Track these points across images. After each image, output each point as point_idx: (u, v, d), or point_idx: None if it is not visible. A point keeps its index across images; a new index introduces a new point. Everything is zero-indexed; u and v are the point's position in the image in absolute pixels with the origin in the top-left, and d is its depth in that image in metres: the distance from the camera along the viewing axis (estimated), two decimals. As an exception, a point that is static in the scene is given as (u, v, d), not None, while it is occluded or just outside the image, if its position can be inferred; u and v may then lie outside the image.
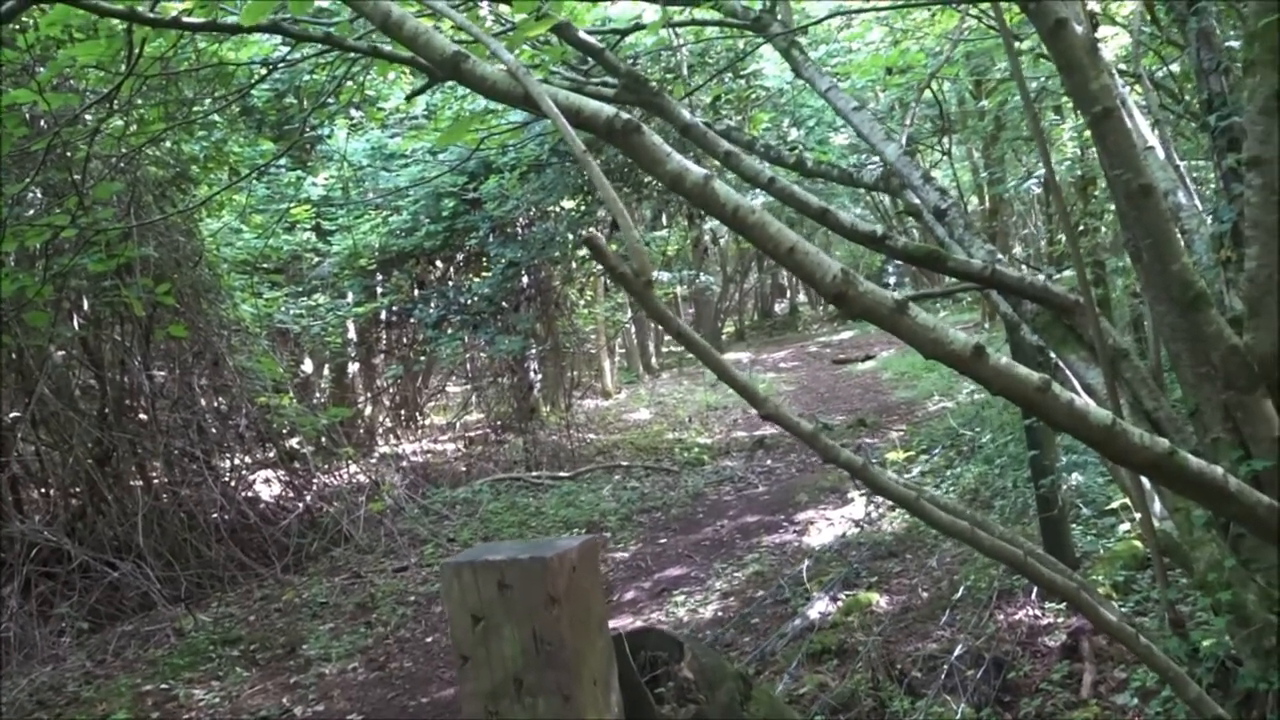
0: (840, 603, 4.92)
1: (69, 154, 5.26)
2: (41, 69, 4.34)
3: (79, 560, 6.43)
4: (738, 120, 9.22)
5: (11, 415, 6.98)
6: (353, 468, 9.11)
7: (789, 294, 31.95)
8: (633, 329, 19.88)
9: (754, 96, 9.84)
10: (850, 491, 7.49)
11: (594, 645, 1.12)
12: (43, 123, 5.64)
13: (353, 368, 12.40)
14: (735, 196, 1.55)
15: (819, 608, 4.88)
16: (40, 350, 6.72)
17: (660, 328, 22.39)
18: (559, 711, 1.08)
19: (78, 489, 7.21)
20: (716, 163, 3.16)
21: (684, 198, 1.65)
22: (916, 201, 3.30)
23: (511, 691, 1.09)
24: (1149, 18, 4.98)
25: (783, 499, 7.93)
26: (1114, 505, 5.00)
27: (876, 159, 4.49)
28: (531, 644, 1.08)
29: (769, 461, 9.77)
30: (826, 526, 6.84)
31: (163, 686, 5.38)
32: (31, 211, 6.12)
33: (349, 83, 5.58)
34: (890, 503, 6.28)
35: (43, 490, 7.36)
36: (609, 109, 1.64)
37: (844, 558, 5.71)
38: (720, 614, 5.40)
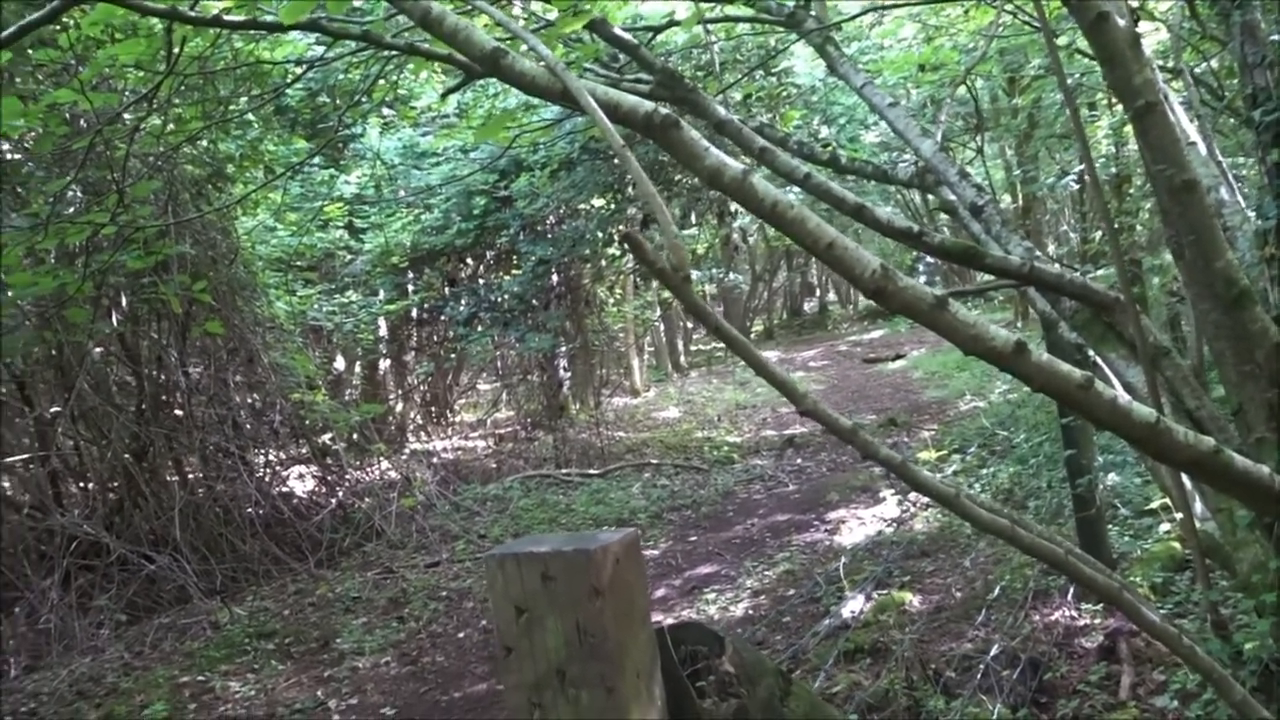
0: (873, 602, 4.89)
1: (109, 152, 5.34)
2: (82, 69, 4.40)
3: (117, 553, 6.53)
4: (769, 118, 9.19)
5: (52, 410, 7.10)
6: (384, 464, 9.18)
7: (818, 292, 31.79)
8: (661, 327, 19.88)
9: (785, 94, 9.81)
10: (882, 490, 7.45)
11: (637, 638, 1.12)
12: (83, 122, 5.73)
13: (384, 365, 12.49)
14: (774, 191, 1.55)
15: (851, 607, 4.85)
16: (80, 346, 6.82)
17: (692, 325, 22.38)
18: (602, 703, 1.08)
19: (116, 483, 7.32)
20: (747, 159, 3.15)
21: (722, 193, 1.64)
22: (952, 198, 3.27)
23: (555, 683, 1.10)
24: (1188, 13, 4.91)
25: (813, 498, 7.90)
26: (1152, 506, 4.94)
27: (908, 156, 4.45)
28: (575, 636, 1.09)
29: (799, 460, 9.73)
30: (858, 525, 6.80)
31: (199, 678, 5.45)
32: (72, 209, 6.21)
33: (382, 81, 5.62)
34: (923, 502, 6.25)
35: (82, 484, 7.47)
36: (648, 104, 1.64)
37: (876, 557, 5.68)
38: (751, 612, 5.39)
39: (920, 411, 11.44)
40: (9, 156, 6.57)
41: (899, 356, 17.38)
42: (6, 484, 7.14)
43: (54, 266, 5.82)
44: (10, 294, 5.26)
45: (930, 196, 3.52)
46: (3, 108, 3.32)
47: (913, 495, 5.97)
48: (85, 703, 5.24)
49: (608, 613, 1.07)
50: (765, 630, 4.92)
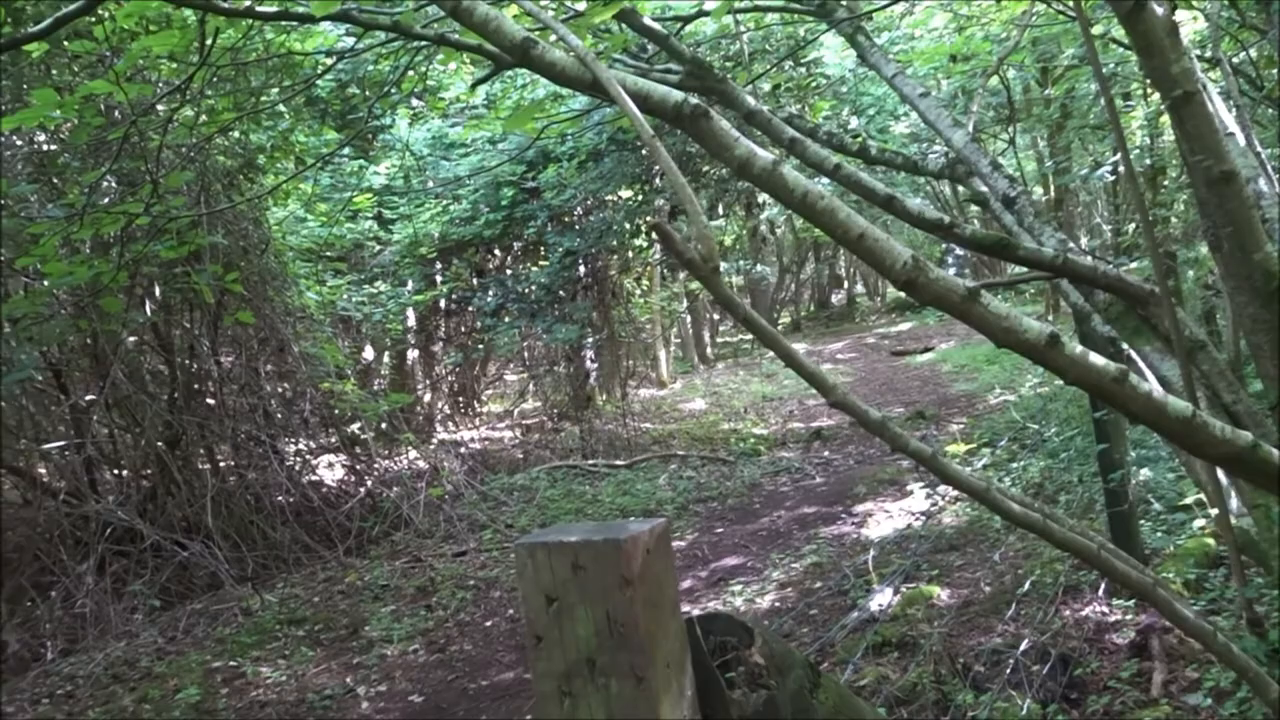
0: (901, 595, 4.87)
1: (143, 143, 5.40)
2: (117, 60, 4.45)
3: (151, 540, 6.62)
4: (798, 108, 9.14)
5: (87, 398, 7.20)
6: (412, 453, 9.25)
7: (846, 285, 31.61)
8: (688, 319, 19.86)
9: (814, 84, 9.75)
10: (910, 484, 7.41)
11: (667, 628, 1.13)
12: (117, 113, 5.80)
13: (412, 355, 12.58)
14: (804, 182, 1.54)
15: (879, 600, 4.84)
16: (114, 335, 6.91)
17: (718, 316, 22.34)
18: (632, 693, 1.08)
19: (149, 470, 7.42)
20: (776, 150, 3.13)
21: (752, 183, 1.63)
22: (983, 189, 3.24)
23: (584, 672, 1.10)
24: (1227, 1, 4.83)
25: (840, 490, 7.87)
26: (1186, 501, 4.88)
27: (939, 147, 4.41)
28: (605, 625, 1.09)
29: (826, 453, 9.70)
30: (885, 519, 6.77)
31: (231, 663, 5.52)
32: (107, 199, 6.29)
33: (411, 72, 5.64)
34: (951, 496, 6.21)
35: (116, 471, 7.58)
36: (677, 94, 1.63)
37: (904, 550, 5.66)
38: (778, 604, 5.39)
39: (949, 405, 11.36)
40: (46, 147, 6.67)
41: (928, 349, 17.26)
42: (43, 470, 7.26)
43: (89, 256, 5.91)
44: (46, 283, 5.34)
45: (961, 188, 3.48)
46: (39, 99, 3.37)
47: (941, 488, 5.93)
48: (120, 686, 5.32)
49: (638, 602, 1.08)
50: (792, 623, 4.91)
